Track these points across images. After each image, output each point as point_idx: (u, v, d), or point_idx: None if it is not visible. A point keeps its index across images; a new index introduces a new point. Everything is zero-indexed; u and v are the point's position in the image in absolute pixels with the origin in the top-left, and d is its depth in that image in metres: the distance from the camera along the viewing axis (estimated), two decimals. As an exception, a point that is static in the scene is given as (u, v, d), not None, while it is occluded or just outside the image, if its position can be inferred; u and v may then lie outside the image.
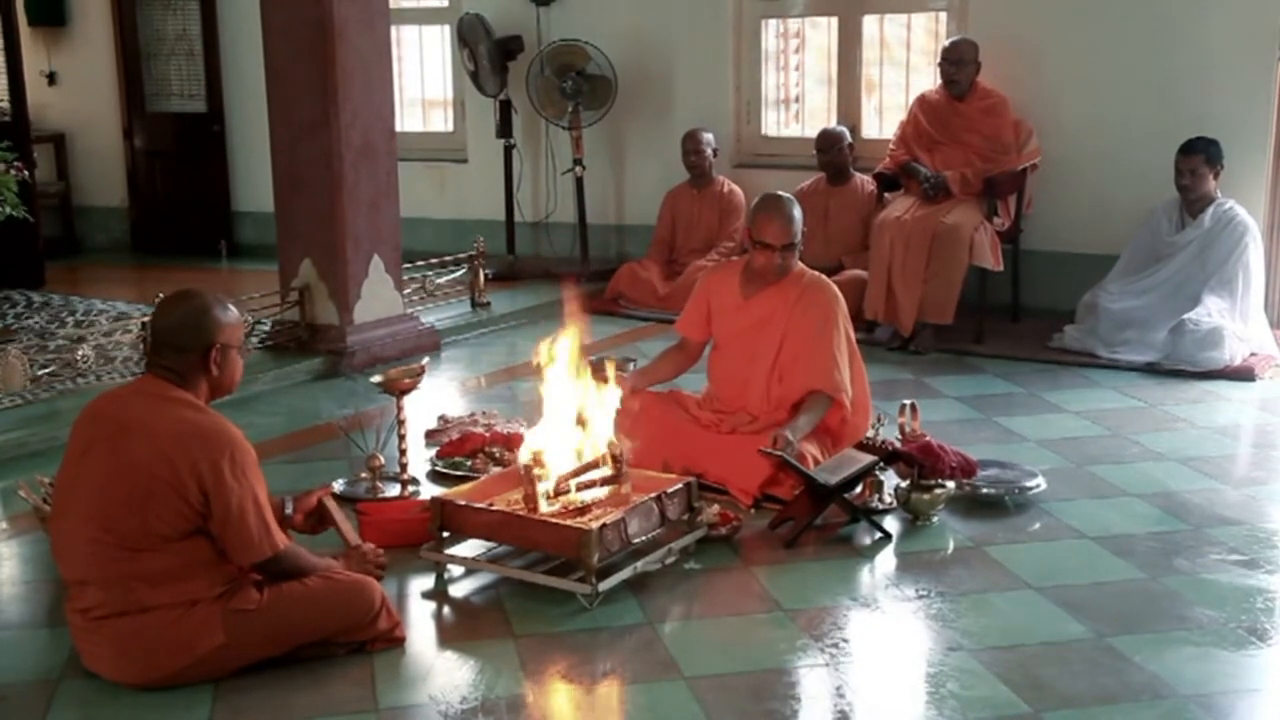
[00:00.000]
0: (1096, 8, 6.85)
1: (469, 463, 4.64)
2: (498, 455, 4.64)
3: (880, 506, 4.20)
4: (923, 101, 7.00)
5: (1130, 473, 4.62)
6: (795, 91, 8.17)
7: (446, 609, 3.63)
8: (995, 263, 6.58)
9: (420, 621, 3.52)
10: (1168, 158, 6.24)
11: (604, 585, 3.50)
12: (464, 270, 7.29)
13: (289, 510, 3.50)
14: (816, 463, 4.25)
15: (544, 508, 3.66)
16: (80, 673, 3.17)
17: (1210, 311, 5.97)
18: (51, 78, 9.74)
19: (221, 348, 3.17)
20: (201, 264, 8.99)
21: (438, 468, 4.67)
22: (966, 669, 3.17)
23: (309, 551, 3.29)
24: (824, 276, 4.63)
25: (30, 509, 4.00)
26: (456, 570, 3.77)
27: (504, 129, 8.32)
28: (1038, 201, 6.93)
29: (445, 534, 3.72)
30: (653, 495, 3.71)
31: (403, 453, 4.46)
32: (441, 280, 7.17)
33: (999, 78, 6.84)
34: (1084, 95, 6.91)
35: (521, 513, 3.66)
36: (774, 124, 8.15)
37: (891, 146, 7.06)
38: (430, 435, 5.05)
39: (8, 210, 6.30)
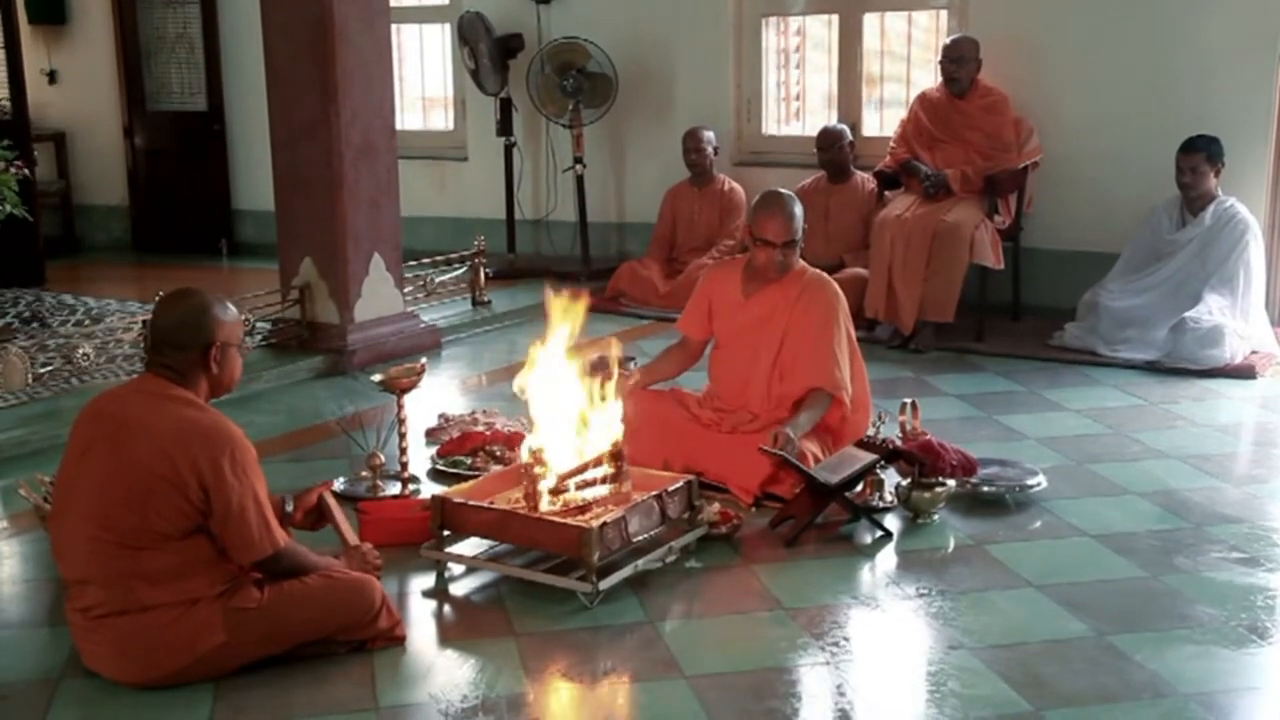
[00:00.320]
0: (1097, 6, 6.85)
1: (469, 461, 4.64)
2: (498, 453, 4.64)
3: (881, 505, 4.20)
4: (923, 99, 7.00)
5: (1131, 471, 4.61)
6: (796, 89, 8.17)
7: (447, 607, 3.62)
8: (996, 261, 6.57)
9: (421, 620, 3.52)
10: (1168, 156, 6.23)
11: (604, 584, 3.50)
12: (464, 269, 7.29)
13: (289, 508, 3.50)
14: (817, 461, 4.25)
15: (544, 506, 3.66)
16: (81, 672, 3.17)
17: (1211, 309, 5.97)
18: (52, 76, 9.74)
19: (221, 346, 3.17)
20: (202, 263, 8.99)
21: (438, 466, 4.67)
22: (967, 667, 3.17)
23: (309, 550, 3.29)
24: (825, 274, 4.62)
25: (30, 507, 3.99)
26: (457, 569, 3.77)
27: (504, 127, 8.32)
28: (1038, 200, 6.93)
29: (446, 532, 3.72)
30: (653, 494, 3.71)
31: (403, 451, 4.46)
32: (442, 279, 7.17)
33: (1000, 75, 6.84)
34: (1085, 93, 6.90)
35: (522, 511, 3.66)
36: (774, 122, 8.14)
37: (892, 144, 7.06)
38: (431, 434, 5.04)
39: (8, 209, 6.30)
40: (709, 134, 7.63)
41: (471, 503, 3.71)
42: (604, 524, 3.49)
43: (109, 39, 9.49)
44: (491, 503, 3.75)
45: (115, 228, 9.77)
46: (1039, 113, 6.85)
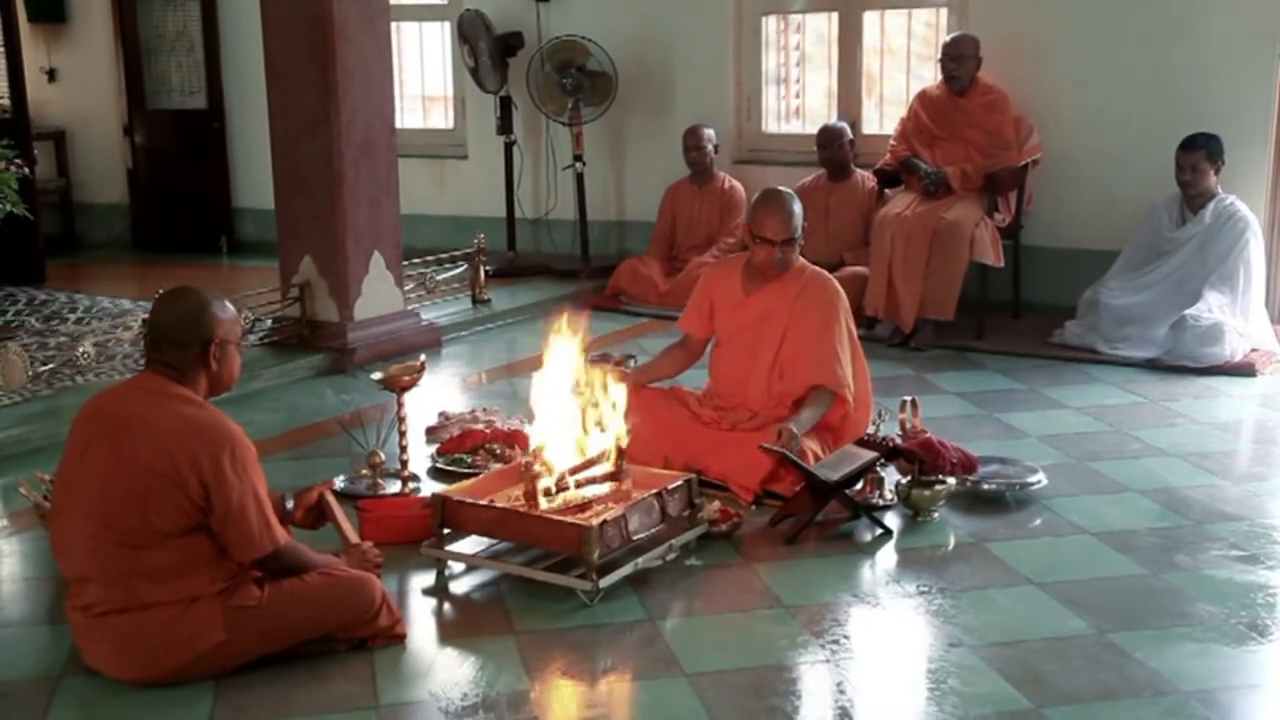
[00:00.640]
0: (1097, 4, 6.84)
1: (469, 459, 4.64)
2: (498, 452, 4.64)
3: (881, 503, 4.20)
4: (923, 97, 7.00)
5: (1131, 468, 4.61)
6: (796, 87, 8.16)
7: (447, 605, 3.62)
8: (996, 259, 6.57)
9: (421, 618, 3.52)
10: (1168, 153, 6.23)
11: (605, 582, 3.50)
12: (464, 267, 7.29)
13: (289, 506, 3.50)
14: (817, 459, 4.25)
15: (544, 504, 3.66)
16: (81, 670, 3.17)
17: (1211, 307, 5.97)
18: (52, 74, 9.73)
19: (220, 343, 3.17)
20: (202, 261, 8.99)
21: (438, 464, 4.67)
22: (967, 665, 3.17)
23: (309, 548, 3.29)
24: (825, 272, 4.63)
25: (30, 506, 4.00)
26: (457, 567, 3.77)
27: (504, 125, 8.31)
28: (1038, 197, 6.93)
29: (446, 530, 3.72)
30: (653, 492, 3.71)
31: (403, 449, 4.46)
32: (442, 277, 7.17)
33: (1000, 73, 6.84)
34: (1085, 91, 6.90)
35: (522, 509, 3.66)
36: (774, 120, 8.14)
37: (892, 142, 7.06)
38: (431, 432, 5.04)
39: (8, 207, 6.29)
40: (709, 132, 7.63)
41: (472, 501, 3.71)
42: (604, 522, 3.49)
43: (109, 37, 9.49)
44: (491, 501, 3.76)
45: (115, 226, 9.77)
46: (1039, 110, 6.84)
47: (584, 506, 3.66)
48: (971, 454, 4.39)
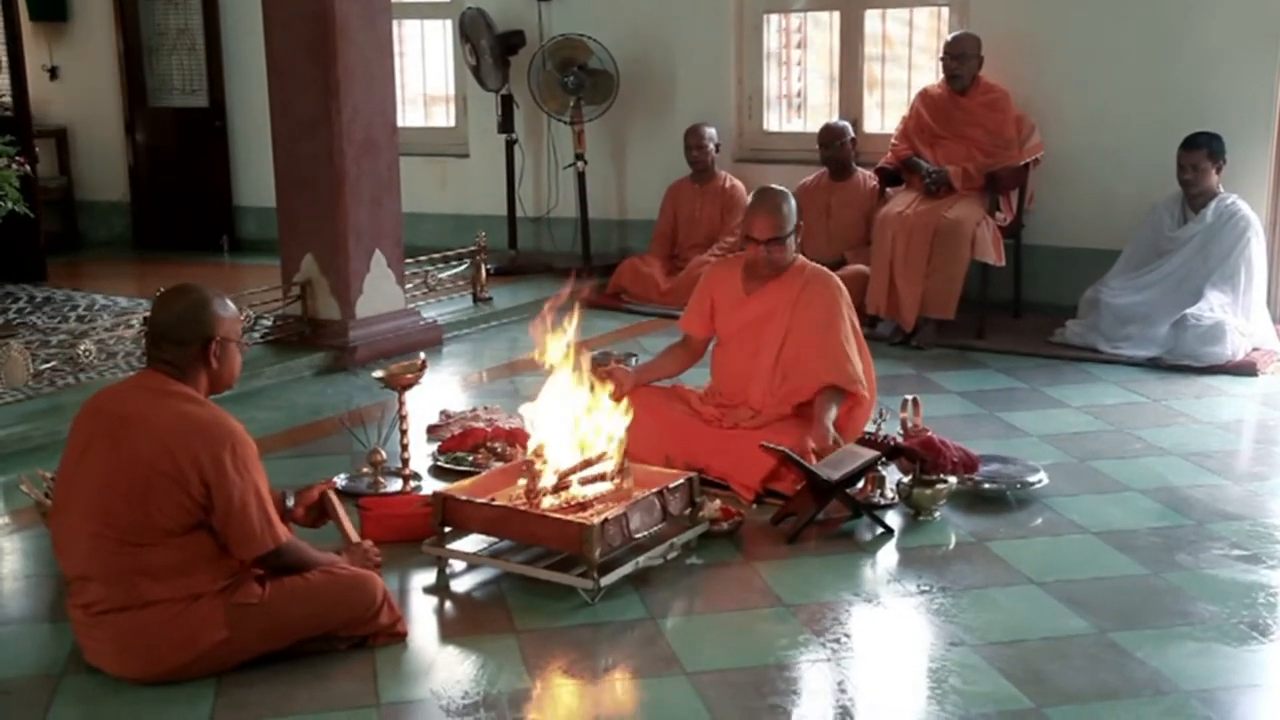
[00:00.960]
0: (1099, 3, 6.84)
1: (471, 458, 4.64)
2: (499, 450, 4.64)
3: (882, 502, 4.20)
4: (925, 96, 6.99)
5: (1132, 468, 4.61)
6: (797, 86, 8.16)
7: (448, 604, 3.63)
8: (997, 258, 6.57)
9: (422, 616, 3.52)
10: (1170, 153, 6.23)
11: (606, 580, 3.50)
12: (465, 265, 7.29)
13: (290, 504, 3.50)
14: (818, 458, 4.24)
15: (546, 503, 3.66)
16: (82, 668, 3.17)
17: (1212, 306, 5.96)
18: (53, 72, 9.73)
19: (221, 341, 3.17)
20: (203, 259, 8.98)
21: (439, 463, 4.67)
22: (968, 664, 3.17)
23: (310, 545, 3.29)
24: (826, 269, 4.62)
25: (32, 504, 4.00)
26: (458, 565, 3.77)
27: (505, 124, 8.31)
28: (1040, 196, 6.93)
29: (447, 529, 3.72)
30: (654, 490, 3.71)
31: (404, 448, 4.46)
32: (443, 275, 7.17)
33: (1001, 73, 6.83)
34: (1086, 90, 6.90)
35: (523, 508, 3.66)
36: (776, 119, 8.14)
37: (893, 141, 7.06)
38: (432, 430, 5.04)
39: (9, 205, 6.29)
40: (710, 131, 7.63)
41: (473, 499, 3.71)
42: (605, 520, 3.48)
43: (110, 35, 9.48)
44: (493, 499, 3.75)
45: (116, 224, 9.77)
46: (1040, 109, 6.84)
47: (585, 505, 3.66)
48: (972, 453, 4.39)
